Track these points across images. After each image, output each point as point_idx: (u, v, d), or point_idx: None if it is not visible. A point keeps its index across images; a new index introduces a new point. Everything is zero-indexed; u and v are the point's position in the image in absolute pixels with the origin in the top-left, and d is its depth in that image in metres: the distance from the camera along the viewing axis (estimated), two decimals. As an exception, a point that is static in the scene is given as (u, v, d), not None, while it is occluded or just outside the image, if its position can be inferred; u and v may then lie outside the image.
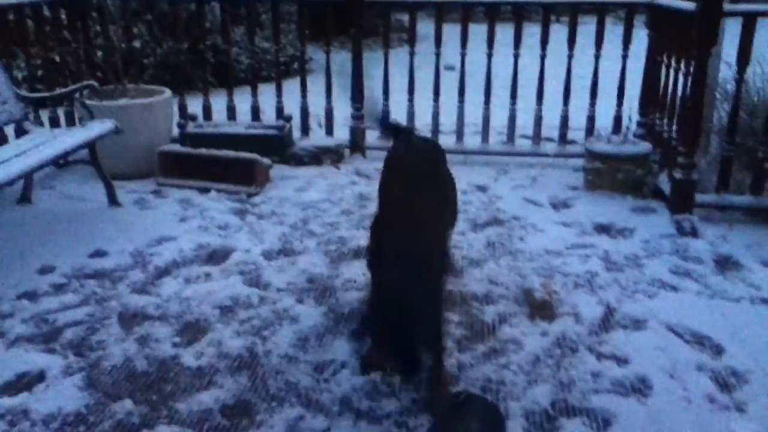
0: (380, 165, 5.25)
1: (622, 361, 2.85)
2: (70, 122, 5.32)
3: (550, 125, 5.58)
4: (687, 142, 4.22)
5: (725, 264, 3.77)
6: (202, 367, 2.79)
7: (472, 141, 5.67)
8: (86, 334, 3.01)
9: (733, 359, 2.86)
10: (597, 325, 3.12)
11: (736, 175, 4.55)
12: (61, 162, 4.42)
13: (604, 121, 5.38)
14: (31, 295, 3.33)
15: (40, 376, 2.72)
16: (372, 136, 5.70)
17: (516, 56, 5.29)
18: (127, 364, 2.81)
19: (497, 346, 2.95)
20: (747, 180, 4.44)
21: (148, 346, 2.93)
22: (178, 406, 2.56)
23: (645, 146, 4.78)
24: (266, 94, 5.85)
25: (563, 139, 5.52)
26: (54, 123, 5.29)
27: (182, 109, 5.59)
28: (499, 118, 5.62)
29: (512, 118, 5.50)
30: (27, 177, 4.42)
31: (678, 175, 4.28)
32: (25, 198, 4.50)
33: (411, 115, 5.58)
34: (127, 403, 2.55)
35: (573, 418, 2.50)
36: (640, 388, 2.69)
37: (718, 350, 2.95)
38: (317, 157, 5.40)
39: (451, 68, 6.47)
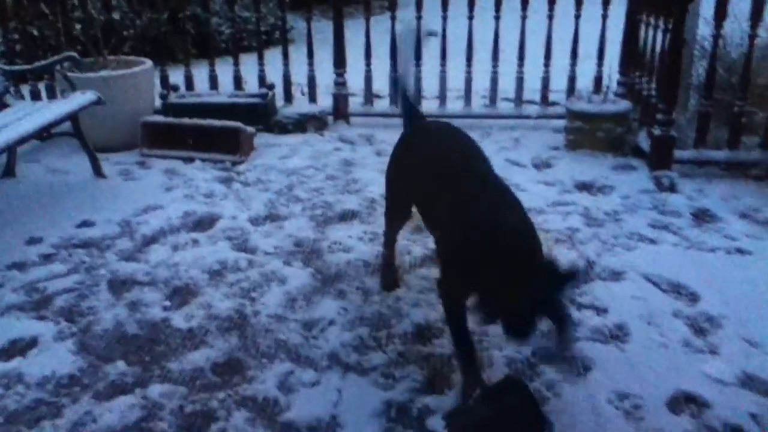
0: (364, 132, 5.37)
1: (601, 310, 2.94)
2: (52, 96, 5.30)
3: (532, 88, 5.62)
4: (666, 98, 4.28)
5: (702, 217, 3.85)
6: (193, 328, 2.85)
7: (454, 105, 5.70)
8: (76, 301, 3.06)
9: (708, 306, 2.96)
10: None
11: (715, 131, 4.62)
12: (45, 135, 4.41)
13: (586, 81, 5.42)
14: (20, 266, 3.37)
15: (33, 342, 2.77)
16: (355, 101, 5.73)
17: (497, 19, 5.30)
18: (118, 328, 2.87)
19: (480, 301, 3.02)
20: (725, 135, 4.51)
21: (139, 310, 2.98)
22: (170, 365, 2.62)
23: (625, 105, 4.83)
24: (248, 64, 5.84)
25: (545, 100, 5.56)
26: (35, 97, 5.26)
27: (164, 79, 5.57)
28: (481, 82, 5.64)
29: (494, 81, 5.53)
30: (11, 151, 4.43)
31: (657, 131, 4.34)
32: (9, 172, 4.51)
33: (394, 80, 5.58)
34: (120, 365, 2.61)
35: (554, 365, 2.59)
36: (618, 335, 2.78)
37: (693, 298, 3.04)
38: (301, 124, 5.41)
39: (432, 34, 6.46)
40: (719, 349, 2.67)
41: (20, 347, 2.74)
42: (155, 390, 2.47)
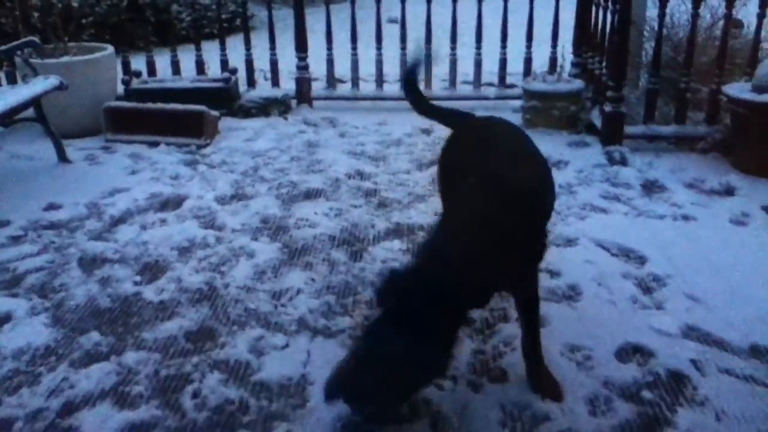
0: (328, 115, 5.48)
1: (555, 274, 3.10)
2: (12, 83, 5.27)
3: (490, 71, 5.78)
4: (615, 76, 4.47)
5: (651, 187, 4.06)
6: (164, 301, 2.94)
7: (415, 88, 5.82)
8: (48, 279, 3.12)
9: (654, 267, 3.15)
10: (533, 245, 3.36)
11: (663, 108, 4.83)
12: (8, 121, 4.42)
13: (541, 63, 5.60)
14: (-11, 247, 3.41)
15: (6, 318, 2.83)
16: (317, 86, 5.82)
17: (454, 2, 5.45)
18: (91, 302, 2.94)
19: (442, 268, 3.17)
20: (672, 111, 4.72)
21: (110, 286, 3.06)
22: (144, 335, 2.71)
23: (578, 84, 5.02)
24: (210, 51, 5.89)
25: (503, 82, 5.73)
26: (-5, 84, 5.24)
27: (125, 65, 5.60)
28: (441, 67, 5.79)
29: (453, 64, 5.68)
30: (-27, 137, 4.43)
31: (608, 108, 4.54)
32: (-28, 159, 4.50)
33: (355, 63, 5.70)
34: (94, 335, 2.69)
35: (510, 323, 2.74)
36: (571, 295, 2.95)
37: (641, 261, 3.23)
38: (265, 108, 5.49)
39: (394, 21, 6.59)
40: (664, 305, 2.86)
41: (-6, 323, 2.80)
42: (130, 357, 2.56)
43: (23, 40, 4.53)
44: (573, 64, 5.52)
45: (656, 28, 4.70)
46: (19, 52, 4.55)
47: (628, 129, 4.61)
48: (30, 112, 4.54)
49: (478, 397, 2.35)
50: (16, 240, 3.49)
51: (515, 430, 2.21)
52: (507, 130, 2.62)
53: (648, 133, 4.63)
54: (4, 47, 4.59)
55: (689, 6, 4.96)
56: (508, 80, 5.77)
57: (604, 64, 4.89)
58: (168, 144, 4.81)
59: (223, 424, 2.23)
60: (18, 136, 4.94)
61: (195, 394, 2.37)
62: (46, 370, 2.51)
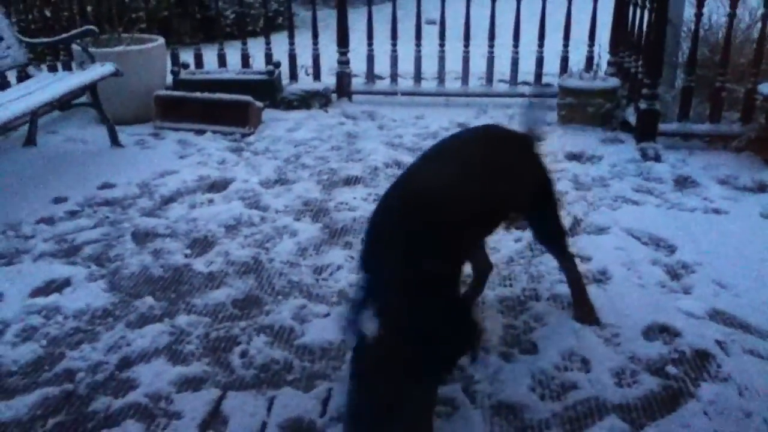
0: (366, 108, 5.64)
1: (585, 258, 3.21)
2: (68, 71, 5.53)
3: (527, 71, 5.89)
4: (650, 73, 4.55)
5: (684, 183, 4.13)
6: (213, 272, 3.12)
7: (453, 85, 5.97)
8: (104, 250, 3.32)
9: (684, 255, 3.23)
10: (565, 232, 3.48)
11: (698, 107, 4.89)
12: (65, 105, 4.66)
13: (578, 63, 5.69)
14: (49, 220, 3.63)
15: (67, 282, 3.03)
16: (357, 82, 5.99)
17: (493, 2, 5.58)
18: (145, 271, 3.13)
19: (476, 251, 3.30)
20: (707, 110, 4.78)
21: (162, 257, 3.25)
22: (194, 301, 2.89)
23: (614, 81, 5.11)
24: (253, 47, 6.09)
25: (539, 79, 5.83)
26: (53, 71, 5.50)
27: (174, 57, 5.82)
28: (478, 66, 5.90)
29: (491, 61, 5.80)
30: (32, 121, 4.68)
31: (643, 105, 4.61)
32: (30, 141, 4.75)
33: (394, 60, 5.85)
34: (148, 300, 2.88)
35: (541, 302, 2.86)
36: (600, 278, 3.05)
37: (671, 249, 3.31)
38: (306, 100, 5.67)
39: (432, 22, 6.73)
40: (692, 290, 2.95)
41: (56, 286, 3.01)
42: (182, 320, 2.74)
43: (82, 29, 4.77)
44: (609, 63, 5.59)
45: (693, 27, 4.77)
46: (78, 41, 4.79)
47: (663, 126, 4.68)
48: (85, 98, 4.78)
49: (509, 366, 2.47)
50: (73, 214, 3.71)
51: (544, 396, 2.33)
52: (471, 139, 2.58)
53: (682, 130, 4.69)
54: (65, 35, 4.84)
55: (727, 7, 5.02)
56: (544, 79, 5.87)
57: (640, 62, 4.97)
58: (214, 132, 5.01)
59: (269, 381, 2.39)
60: (73, 121, 5.19)
61: (243, 354, 2.54)
62: (105, 329, 2.70)
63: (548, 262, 3.16)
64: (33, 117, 4.66)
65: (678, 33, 5.19)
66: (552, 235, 2.76)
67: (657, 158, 4.46)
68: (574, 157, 4.55)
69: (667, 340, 2.63)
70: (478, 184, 2.25)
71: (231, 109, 5.05)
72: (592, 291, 2.92)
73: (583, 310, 2.74)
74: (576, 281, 2.79)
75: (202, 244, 3.38)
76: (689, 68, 4.64)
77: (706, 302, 2.84)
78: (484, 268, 2.87)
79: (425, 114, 5.54)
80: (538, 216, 2.69)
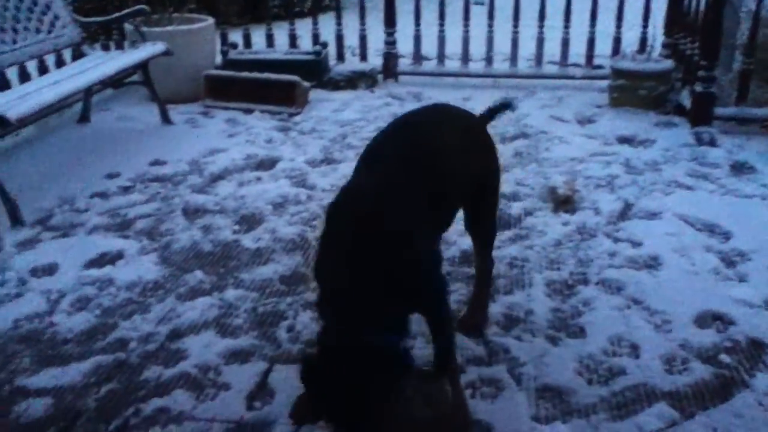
0: (413, 89, 5.61)
1: (636, 244, 3.15)
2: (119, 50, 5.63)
3: (577, 53, 5.76)
4: (707, 55, 4.41)
5: (740, 168, 4.00)
6: (261, 248, 3.16)
7: (501, 66, 5.88)
8: (155, 224, 3.39)
9: (739, 242, 3.14)
10: (615, 216, 3.41)
11: (756, 91, 4.72)
12: (117, 83, 4.75)
13: (628, 44, 5.55)
14: (102, 195, 3.72)
15: (120, 255, 3.11)
16: (403, 62, 5.96)
17: (544, -20, 5.47)
18: (194, 246, 3.19)
19: (522, 233, 3.27)
20: (766, 94, 4.61)
21: (211, 233, 3.30)
22: (242, 276, 2.93)
23: (668, 63, 4.97)
24: (301, 28, 6.10)
25: (589, 61, 5.71)
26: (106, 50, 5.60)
27: (223, 37, 5.87)
28: (527, 47, 5.80)
29: (540, 42, 5.69)
30: (86, 98, 4.79)
31: (698, 88, 4.48)
32: (84, 118, 4.86)
33: (441, 40, 5.80)
34: (198, 274, 2.93)
35: (589, 286, 2.82)
36: (651, 264, 2.99)
37: (726, 236, 3.22)
38: (352, 81, 5.67)
39: (480, 3, 6.64)
40: (747, 278, 2.87)
41: (109, 258, 3.08)
42: (230, 294, 2.78)
43: (134, 8, 4.84)
44: (663, 45, 5.44)
45: (753, 8, 4.59)
46: (130, 20, 4.86)
47: (719, 110, 4.54)
48: (137, 77, 4.87)
49: (556, 349, 2.45)
50: (125, 190, 3.79)
51: (591, 381, 2.30)
52: (420, 124, 2.32)
53: (739, 115, 4.55)
54: (117, 14, 4.92)
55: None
56: (595, 61, 5.74)
57: (696, 44, 4.82)
58: (262, 111, 5.05)
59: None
60: (125, 99, 5.29)
61: (289, 329, 2.57)
62: (156, 301, 2.76)
63: (597, 247, 3.12)
64: (87, 94, 4.76)
65: (737, 13, 5.00)
66: (486, 227, 2.51)
67: (712, 143, 4.33)
68: (625, 140, 4.46)
69: (721, 328, 2.56)
70: (425, 181, 2.03)
71: (278, 89, 5.08)
72: (643, 277, 2.87)
73: (474, 319, 2.53)
74: (485, 286, 2.57)
75: (250, 221, 3.42)
76: (748, 50, 4.49)
77: (762, 291, 2.76)
78: (480, 267, 2.60)
79: (472, 96, 5.47)
80: (479, 203, 2.40)
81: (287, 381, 2.28)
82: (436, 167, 2.07)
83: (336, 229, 1.91)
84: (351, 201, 1.97)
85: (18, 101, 3.54)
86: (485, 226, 2.51)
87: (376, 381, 1.71)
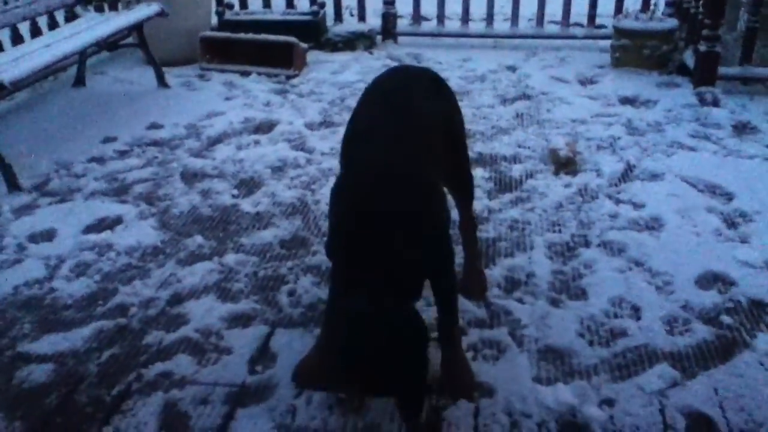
0: (412, 50, 5.53)
1: (638, 205, 3.13)
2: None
3: (579, 12, 5.67)
4: (712, 14, 4.33)
5: (743, 129, 3.96)
6: (260, 212, 3.14)
7: (502, 26, 5.79)
8: (153, 189, 3.36)
9: (741, 203, 3.12)
10: (617, 178, 3.39)
11: (761, 50, 4.66)
12: (112, 45, 4.68)
13: (633, 2, 5.46)
14: (99, 160, 3.68)
15: (118, 220, 3.09)
16: (402, 23, 5.86)
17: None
18: (193, 210, 3.16)
19: (523, 196, 3.24)
20: (771, 53, 4.55)
21: (210, 197, 3.27)
22: (242, 240, 2.91)
23: (671, 22, 4.89)
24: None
25: (591, 21, 5.62)
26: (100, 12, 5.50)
27: (219, -2, 5.76)
28: (528, 6, 5.70)
29: (541, 1, 5.60)
30: (81, 61, 4.72)
31: (702, 47, 4.41)
32: (79, 81, 4.79)
33: (441, 0, 5.69)
34: (198, 239, 2.91)
35: (591, 248, 2.81)
36: (653, 225, 2.97)
37: (728, 197, 3.20)
38: (351, 42, 5.58)
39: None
40: (750, 239, 2.85)
41: (107, 224, 3.06)
42: (230, 259, 2.77)
43: (128, -31, 4.74)
44: (667, 3, 5.34)
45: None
46: (123, -19, 4.77)
47: (722, 70, 4.48)
48: (132, 39, 4.79)
49: (557, 311, 2.44)
50: (122, 154, 3.75)
51: (593, 342, 2.30)
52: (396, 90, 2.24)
53: (743, 74, 4.49)
54: (110, -25, 4.82)
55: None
56: (597, 21, 5.65)
57: (700, 2, 4.73)
58: (259, 74, 4.98)
59: (316, 319, 2.40)
60: (121, 62, 5.22)
61: (290, 293, 2.56)
62: (156, 266, 2.75)
63: (599, 209, 3.10)
64: (81, 57, 4.69)
65: (743, -30, 4.92)
66: (465, 176, 2.47)
67: (715, 103, 4.28)
68: (627, 101, 4.40)
69: (722, 289, 2.56)
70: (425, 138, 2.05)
71: (275, 51, 5.00)
72: (645, 238, 2.86)
73: (473, 280, 2.50)
74: (473, 242, 2.54)
75: (249, 185, 3.39)
76: (753, 8, 4.40)
77: (764, 252, 2.75)
78: (466, 225, 2.56)
79: (472, 56, 5.40)
80: (455, 153, 2.34)
81: (289, 345, 2.28)
82: (425, 126, 2.08)
83: (359, 207, 1.85)
84: (367, 176, 1.91)
85: (11, 65, 3.48)
86: (464, 174, 2.47)
87: (418, 349, 1.70)
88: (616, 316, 2.41)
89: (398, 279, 1.77)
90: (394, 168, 1.90)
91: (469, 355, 2.21)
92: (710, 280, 2.61)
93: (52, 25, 4.56)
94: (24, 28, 4.33)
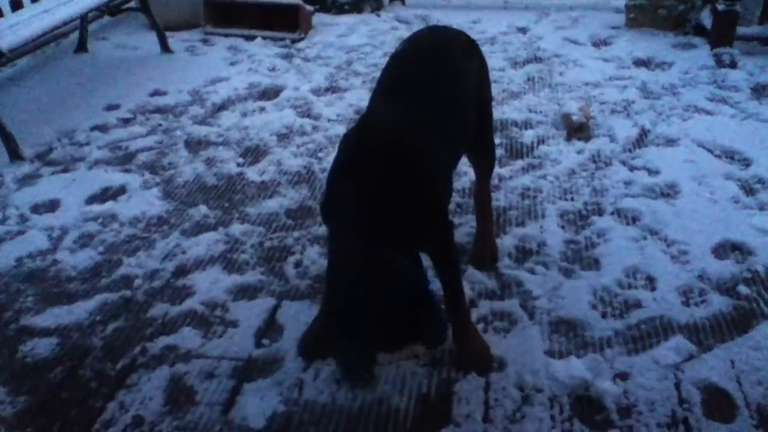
0: (420, 12, 5.39)
1: (653, 172, 3.04)
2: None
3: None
4: (732, -30, 4.17)
5: (762, 91, 3.84)
6: (266, 181, 3.08)
7: (512, -14, 5.63)
8: (157, 158, 3.30)
9: (760, 169, 3.03)
10: (631, 143, 3.30)
11: (782, 9, 4.50)
12: (114, 10, 4.57)
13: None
14: (102, 128, 3.62)
15: (122, 190, 3.04)
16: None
17: None
18: (198, 179, 3.11)
19: (535, 162, 3.17)
20: (792, 12, 4.40)
21: (215, 165, 3.22)
22: (248, 210, 2.86)
23: (689, -19, 4.72)
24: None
25: (606, -20, 5.44)
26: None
27: (223, -41, 5.61)
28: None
29: (554, -41, 5.42)
30: (82, 26, 4.62)
31: (720, 6, 4.26)
32: (81, 47, 4.70)
33: (451, -41, 5.53)
34: (203, 209, 2.86)
35: (604, 216, 2.74)
36: (668, 192, 2.89)
37: (746, 163, 3.11)
38: (357, 4, 5.44)
39: None
40: (767, 206, 2.77)
41: (111, 193, 3.02)
42: (236, 229, 2.72)
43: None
44: (685, -39, 5.16)
45: None
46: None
47: (741, 30, 4.33)
48: (134, 3, 4.68)
49: (570, 282, 2.39)
50: (126, 122, 3.69)
51: (606, 314, 2.24)
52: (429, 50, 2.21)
53: (763, 34, 4.34)
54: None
55: None
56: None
57: (720, -41, 4.56)
58: (264, 38, 4.86)
59: (323, 292, 2.36)
60: (123, 27, 5.12)
61: (297, 264, 2.51)
62: (160, 237, 2.71)
63: (612, 176, 3.03)
64: (83, 22, 4.59)
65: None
66: (489, 145, 2.44)
67: (733, 65, 4.15)
68: (642, 63, 4.28)
69: (739, 258, 2.49)
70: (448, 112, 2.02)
71: (281, 14, 4.88)
72: (660, 206, 2.79)
73: (484, 251, 2.46)
74: (487, 212, 2.50)
75: (254, 153, 3.33)
76: (776, -36, 4.24)
77: (783, 219, 2.67)
78: (482, 195, 2.52)
79: (482, 18, 5.26)
80: (481, 120, 2.30)
81: (296, 317, 2.25)
82: (453, 90, 2.06)
83: (356, 161, 1.84)
84: (375, 131, 1.90)
85: (9, 30, 3.40)
86: (488, 141, 2.45)
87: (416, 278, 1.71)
88: (630, 286, 2.36)
89: (393, 240, 1.72)
90: (398, 136, 1.86)
91: (480, 327, 2.17)
92: (727, 249, 2.54)
93: (53, -11, 4.45)
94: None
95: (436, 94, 1.99)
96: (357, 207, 1.78)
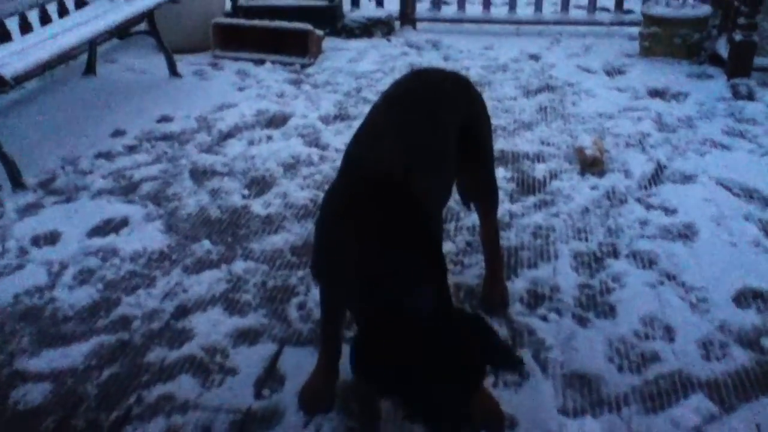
0: (431, 37, 5.34)
1: (670, 211, 2.95)
2: None
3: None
4: (749, 0, 4.09)
5: (781, 125, 3.75)
6: (271, 215, 3.00)
7: (524, 11, 5.58)
8: (161, 188, 3.24)
9: (781, 210, 2.94)
10: (647, 179, 3.21)
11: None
12: (123, 33, 4.54)
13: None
14: (107, 155, 3.56)
15: (124, 222, 2.97)
16: (422, 7, 5.66)
17: None
18: (202, 212, 3.04)
19: (547, 198, 3.08)
20: (811, 43, 4.31)
21: (220, 197, 3.15)
22: (252, 246, 2.79)
23: (704, 9, 4.65)
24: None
25: (619, 6, 5.39)
26: None
27: (233, -18, 5.60)
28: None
29: (567, -15, 5.37)
30: (91, 49, 4.59)
31: (738, 36, 4.19)
32: (89, 70, 4.67)
33: (463, -16, 5.49)
34: (205, 244, 2.79)
35: (619, 259, 2.64)
36: (686, 234, 2.80)
37: (766, 202, 3.02)
38: (368, 28, 5.41)
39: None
40: (790, 251, 2.68)
41: (113, 226, 2.94)
42: (239, 266, 2.64)
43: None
44: (700, -11, 5.09)
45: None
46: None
47: (759, 60, 4.26)
48: (143, 26, 4.65)
49: (584, 331, 2.29)
50: (131, 149, 3.63)
51: (622, 368, 2.15)
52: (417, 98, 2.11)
53: (781, 65, 4.26)
54: (120, -40, 4.66)
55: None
56: (625, 5, 5.42)
57: (737, -12, 4.48)
58: (273, 62, 4.82)
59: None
60: (132, 50, 5.09)
61: (300, 306, 2.43)
62: (161, 274, 2.63)
63: (628, 214, 2.94)
64: (92, 45, 4.56)
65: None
66: (490, 182, 2.36)
67: (750, 96, 4.07)
68: (657, 93, 4.20)
69: (762, 307, 2.39)
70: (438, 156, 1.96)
71: (290, 38, 4.84)
72: (677, 248, 2.69)
73: (494, 294, 2.39)
74: (498, 256, 2.43)
75: (260, 184, 3.26)
76: (795, -5, 4.16)
77: (806, 265, 2.57)
78: (488, 235, 2.43)
79: (494, 44, 5.21)
80: (478, 157, 2.23)
81: (298, 365, 2.16)
82: (443, 130, 2.02)
83: (353, 207, 1.75)
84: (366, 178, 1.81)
85: (16, 57, 3.36)
86: (488, 183, 2.36)
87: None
88: (647, 337, 2.26)
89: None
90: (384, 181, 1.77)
91: (490, 380, 2.07)
92: (748, 297, 2.44)
93: (62, 12, 4.42)
94: (33, 15, 4.20)
95: (409, 141, 1.89)
96: (363, 256, 1.68)
